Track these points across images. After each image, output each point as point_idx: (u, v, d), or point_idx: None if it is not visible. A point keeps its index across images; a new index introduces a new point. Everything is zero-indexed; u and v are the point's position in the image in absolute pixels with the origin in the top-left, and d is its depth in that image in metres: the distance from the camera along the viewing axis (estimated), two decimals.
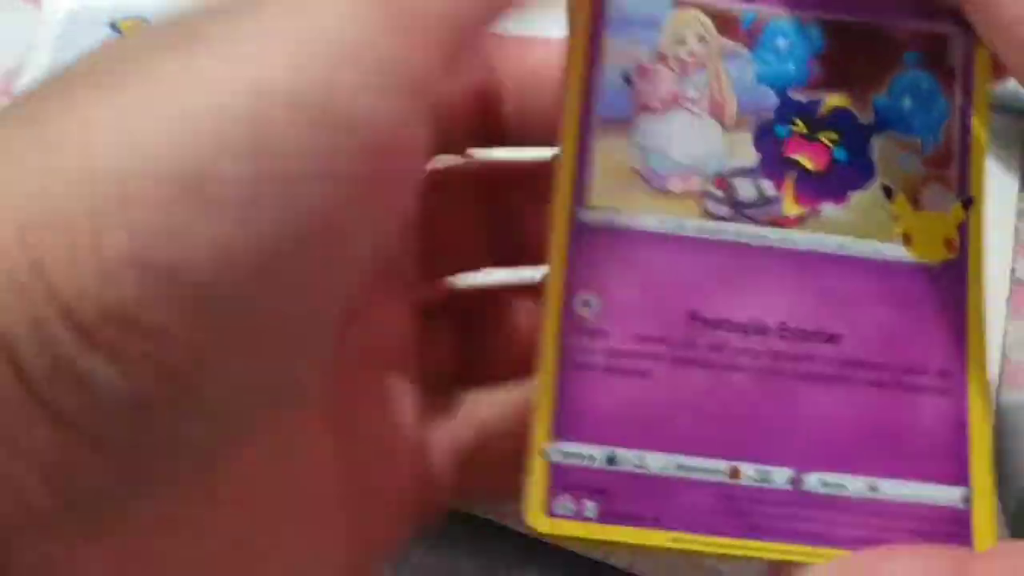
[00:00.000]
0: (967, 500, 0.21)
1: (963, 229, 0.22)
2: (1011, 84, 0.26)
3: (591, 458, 0.21)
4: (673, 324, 0.21)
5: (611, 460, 0.21)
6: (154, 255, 0.15)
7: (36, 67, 0.37)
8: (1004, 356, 0.31)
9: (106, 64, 0.17)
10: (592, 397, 0.21)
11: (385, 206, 0.18)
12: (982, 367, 0.21)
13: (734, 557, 0.20)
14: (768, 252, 0.21)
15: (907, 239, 0.22)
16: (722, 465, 0.21)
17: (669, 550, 0.20)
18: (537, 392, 0.21)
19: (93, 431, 0.16)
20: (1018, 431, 0.30)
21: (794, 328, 0.21)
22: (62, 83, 0.17)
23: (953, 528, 0.21)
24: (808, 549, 0.20)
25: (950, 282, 0.22)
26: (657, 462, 0.21)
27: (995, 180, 0.23)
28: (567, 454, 0.21)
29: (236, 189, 0.16)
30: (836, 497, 0.21)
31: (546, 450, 0.20)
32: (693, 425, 0.21)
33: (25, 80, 0.37)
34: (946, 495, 0.21)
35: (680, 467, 0.21)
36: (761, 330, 0.21)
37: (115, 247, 0.15)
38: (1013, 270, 0.32)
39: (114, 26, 0.38)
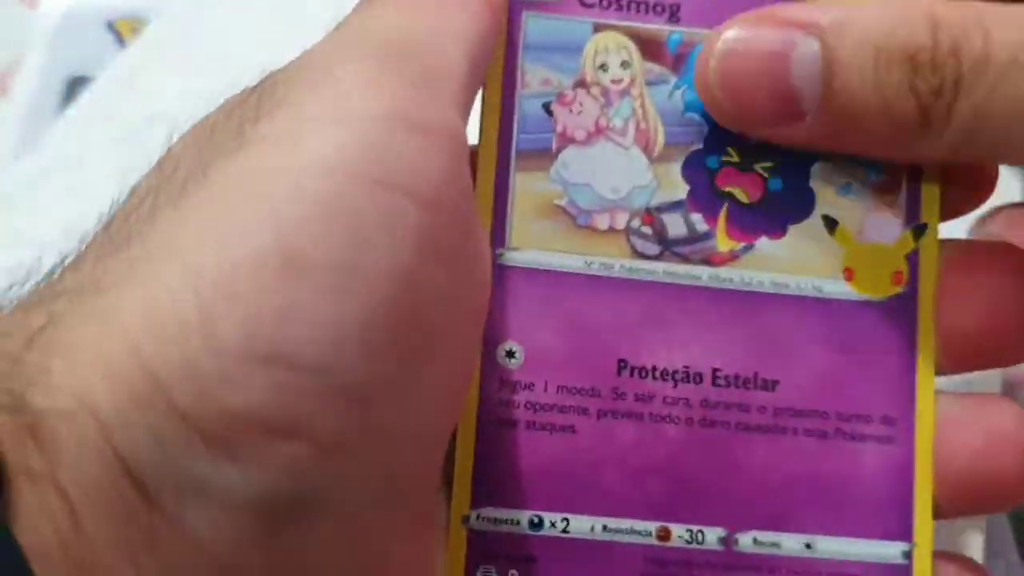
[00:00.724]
0: (908, 555, 0.20)
1: (913, 259, 0.20)
2: None
3: (514, 523, 0.19)
4: (600, 374, 0.20)
5: (535, 525, 0.19)
6: (269, 345, 0.15)
7: (32, 67, 0.38)
8: None
9: (173, 183, 0.17)
10: (514, 457, 0.19)
11: (457, 261, 0.18)
12: (931, 410, 0.20)
13: None
14: (700, 292, 0.20)
15: (850, 274, 0.20)
16: (651, 527, 0.19)
17: None
18: (458, 454, 0.19)
19: (221, 546, 0.15)
20: None
21: (728, 375, 0.20)
22: (142, 210, 0.17)
23: None
24: None
25: (898, 318, 0.20)
26: (583, 526, 0.19)
27: (999, 184, 0.21)
28: (488, 520, 0.19)
29: (326, 264, 0.16)
30: (770, 556, 0.20)
31: (467, 517, 0.19)
32: (621, 484, 0.20)
33: (21, 80, 0.37)
34: (887, 551, 0.20)
35: (608, 530, 0.19)
36: (693, 378, 0.20)
37: (230, 341, 0.15)
38: None
39: (111, 26, 0.38)
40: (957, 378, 0.22)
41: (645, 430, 0.20)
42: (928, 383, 0.20)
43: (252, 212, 0.16)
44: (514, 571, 0.19)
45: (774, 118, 0.19)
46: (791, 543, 0.20)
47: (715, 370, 0.20)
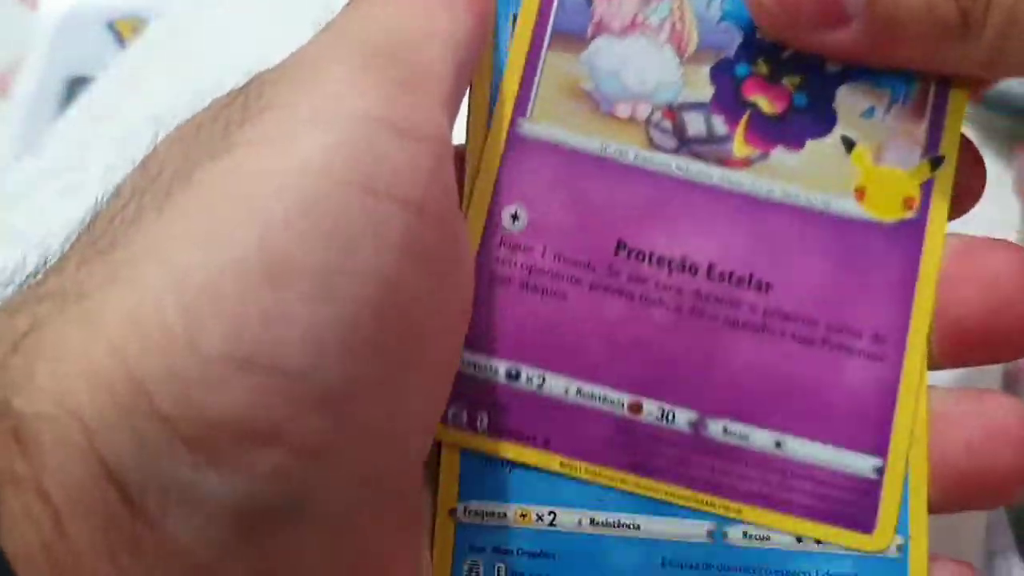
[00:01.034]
0: (879, 472, 0.20)
1: (927, 188, 0.21)
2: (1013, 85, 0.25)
3: (492, 371, 0.20)
4: (598, 250, 0.20)
5: (512, 376, 0.20)
6: (252, 350, 0.15)
7: (32, 67, 0.38)
8: None
9: (158, 185, 0.17)
10: (504, 311, 0.20)
11: (441, 263, 0.18)
12: (923, 336, 0.20)
13: (623, 491, 0.20)
14: (709, 191, 0.21)
15: (861, 193, 0.21)
16: (624, 398, 0.20)
17: (557, 473, 0.20)
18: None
19: (203, 550, 0.15)
20: None
21: (724, 271, 0.20)
22: (126, 212, 0.17)
23: (857, 498, 0.20)
24: (701, 496, 0.19)
25: (904, 243, 0.20)
26: (558, 385, 0.20)
27: (998, 182, 0.21)
28: (468, 364, 0.20)
29: (310, 268, 0.16)
30: (738, 448, 0.20)
31: None
32: (602, 354, 0.20)
33: (21, 80, 0.38)
34: (857, 463, 0.20)
35: (581, 393, 0.20)
36: (689, 268, 0.20)
37: (213, 346, 0.15)
38: None
39: (111, 26, 0.38)
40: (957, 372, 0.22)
41: (633, 309, 0.20)
42: (925, 309, 0.20)
43: (237, 215, 0.16)
44: (483, 415, 0.20)
45: (820, 22, 0.19)
46: (761, 438, 0.20)
47: (711, 264, 0.20)
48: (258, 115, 0.17)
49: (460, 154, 0.20)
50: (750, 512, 0.20)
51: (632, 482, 0.20)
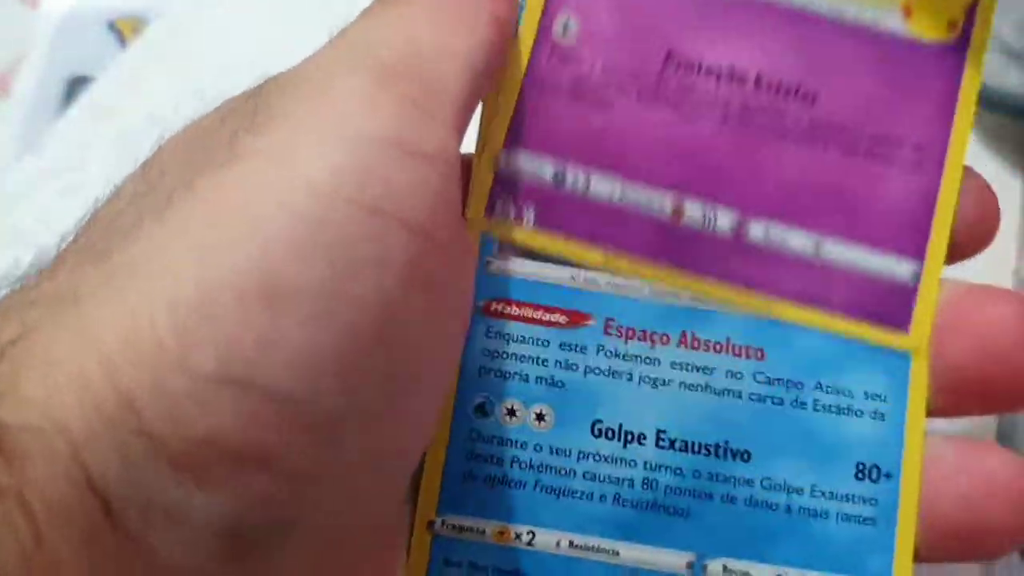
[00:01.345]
0: (916, 277, 0.20)
1: (971, 13, 0.21)
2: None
3: (539, 169, 0.20)
4: (647, 60, 0.21)
5: (558, 175, 0.20)
6: (245, 371, 0.15)
7: (32, 67, 0.38)
8: None
9: (158, 192, 0.16)
10: (552, 115, 0.20)
11: (442, 289, 0.18)
12: (962, 153, 0.21)
13: (665, 285, 0.20)
14: (759, 3, 0.21)
15: (908, 11, 0.21)
16: (668, 199, 0.20)
17: (600, 268, 0.20)
18: (497, 103, 0.20)
19: (185, 568, 0.15)
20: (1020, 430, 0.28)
21: (771, 81, 0.21)
22: (125, 217, 0.16)
23: (894, 301, 0.20)
24: (739, 293, 0.20)
25: (946, 63, 0.21)
26: (604, 185, 0.20)
27: (998, 182, 0.22)
28: (516, 160, 0.20)
29: (310, 291, 0.15)
30: (779, 250, 0.20)
31: (496, 155, 0.20)
32: (647, 158, 0.20)
33: (22, 80, 0.37)
34: (895, 268, 0.20)
35: (626, 194, 0.20)
36: (737, 79, 0.21)
37: (204, 365, 0.15)
38: (1017, 270, 0.31)
39: (112, 26, 0.38)
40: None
41: (680, 118, 0.20)
42: (965, 126, 0.21)
43: (237, 231, 0.15)
44: (529, 211, 0.20)
45: None
46: (801, 241, 0.20)
47: (759, 75, 0.21)
48: (266, 124, 0.16)
49: (467, 163, 0.20)
50: (787, 309, 0.20)
51: (672, 278, 0.20)
